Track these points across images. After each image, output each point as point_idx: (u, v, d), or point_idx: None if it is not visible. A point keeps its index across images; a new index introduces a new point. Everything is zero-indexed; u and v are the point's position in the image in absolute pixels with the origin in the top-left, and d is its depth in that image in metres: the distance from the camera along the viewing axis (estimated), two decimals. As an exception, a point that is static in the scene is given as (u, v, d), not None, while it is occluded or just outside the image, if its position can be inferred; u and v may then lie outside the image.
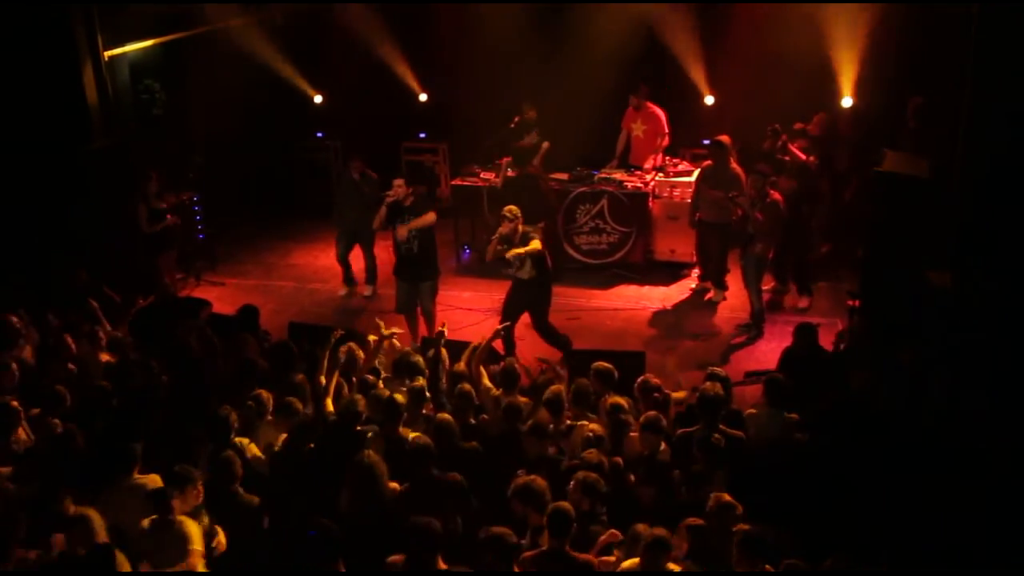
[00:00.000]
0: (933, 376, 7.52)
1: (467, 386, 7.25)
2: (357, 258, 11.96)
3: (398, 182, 9.91)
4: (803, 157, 11.04)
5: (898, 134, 11.19)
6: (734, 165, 11.06)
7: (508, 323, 9.38)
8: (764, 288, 10.76)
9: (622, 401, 7.14)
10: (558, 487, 5.91)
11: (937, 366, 7.67)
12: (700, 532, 5.50)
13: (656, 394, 7.39)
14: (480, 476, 6.29)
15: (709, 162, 11.31)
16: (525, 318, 9.80)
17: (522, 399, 7.30)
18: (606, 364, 7.60)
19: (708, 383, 7.11)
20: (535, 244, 9.38)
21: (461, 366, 7.79)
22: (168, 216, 11.34)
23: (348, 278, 12.06)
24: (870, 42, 11.83)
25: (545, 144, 12.60)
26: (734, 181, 10.81)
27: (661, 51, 13.04)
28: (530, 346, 9.83)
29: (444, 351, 8.09)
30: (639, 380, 7.54)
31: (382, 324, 8.39)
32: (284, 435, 6.85)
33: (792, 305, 11.09)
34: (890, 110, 11.90)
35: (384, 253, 11.59)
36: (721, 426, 6.78)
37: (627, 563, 5.41)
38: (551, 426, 6.85)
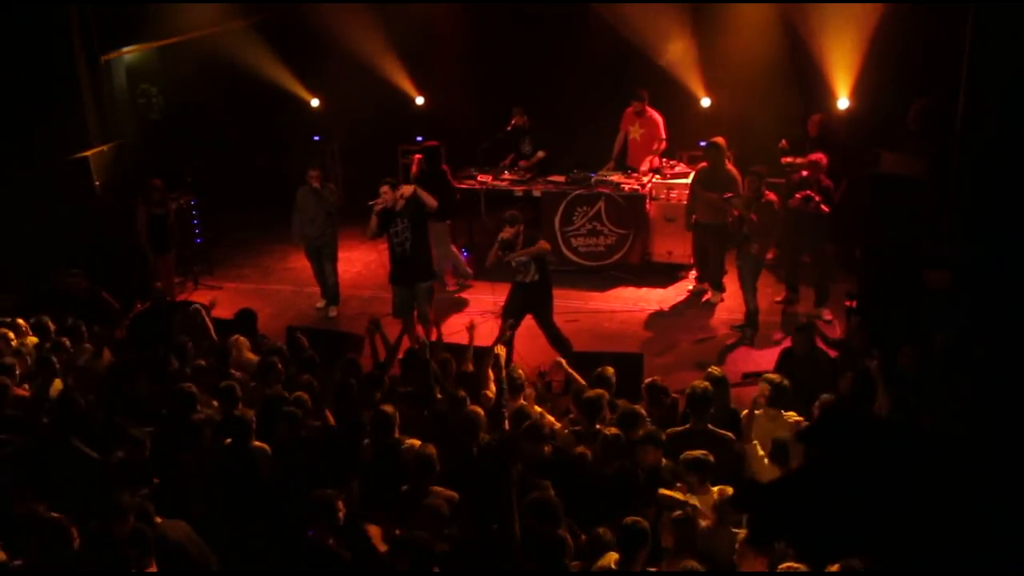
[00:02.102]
0: (932, 376, 7.52)
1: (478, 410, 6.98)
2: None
3: (384, 188, 9.73)
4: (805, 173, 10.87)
5: (897, 136, 11.17)
6: (730, 166, 11.06)
7: (512, 326, 9.41)
8: (777, 300, 10.72)
9: (640, 409, 7.13)
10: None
11: (937, 367, 7.67)
12: (685, 524, 5.50)
13: (664, 397, 7.39)
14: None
15: (704, 164, 11.31)
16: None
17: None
18: (611, 369, 7.58)
19: (696, 381, 7.10)
20: (542, 245, 9.41)
21: (469, 367, 7.79)
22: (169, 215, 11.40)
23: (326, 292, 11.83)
24: (869, 44, 11.83)
25: (541, 153, 12.62)
26: (730, 183, 10.80)
27: (657, 53, 13.05)
28: (526, 348, 9.82)
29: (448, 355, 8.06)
30: (647, 382, 7.52)
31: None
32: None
33: (807, 312, 10.80)
34: (885, 112, 11.91)
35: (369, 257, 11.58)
36: (709, 425, 6.79)
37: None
38: (578, 428, 6.87)
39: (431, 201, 9.77)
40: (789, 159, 11.56)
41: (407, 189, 9.73)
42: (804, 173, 10.66)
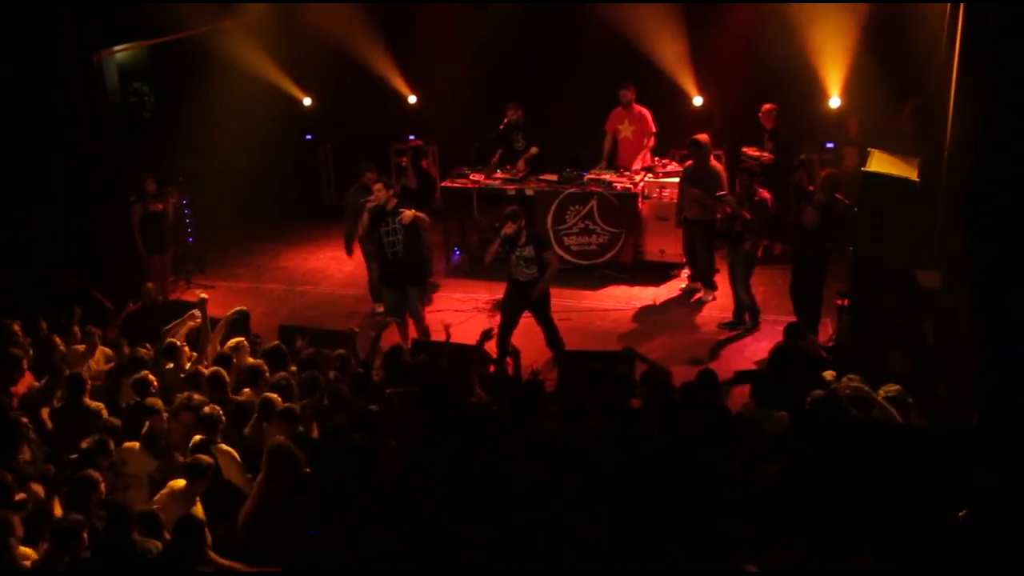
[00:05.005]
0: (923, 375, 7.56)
1: None
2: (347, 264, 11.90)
3: (377, 187, 9.84)
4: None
5: (892, 134, 11.18)
6: (713, 163, 11.13)
7: (507, 324, 9.51)
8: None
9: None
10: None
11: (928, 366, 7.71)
12: None
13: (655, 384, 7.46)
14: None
15: (690, 162, 11.35)
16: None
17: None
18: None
19: (696, 377, 7.16)
20: (555, 265, 9.62)
21: (445, 366, 7.81)
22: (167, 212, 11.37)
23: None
24: (859, 42, 11.86)
25: (533, 149, 12.62)
26: (714, 178, 10.86)
27: (649, 52, 13.06)
28: (520, 346, 9.76)
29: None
30: (643, 371, 7.62)
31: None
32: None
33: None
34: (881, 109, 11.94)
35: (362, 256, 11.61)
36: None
37: None
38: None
39: (426, 220, 9.92)
40: (747, 149, 11.85)
41: (406, 216, 9.73)
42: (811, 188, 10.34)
